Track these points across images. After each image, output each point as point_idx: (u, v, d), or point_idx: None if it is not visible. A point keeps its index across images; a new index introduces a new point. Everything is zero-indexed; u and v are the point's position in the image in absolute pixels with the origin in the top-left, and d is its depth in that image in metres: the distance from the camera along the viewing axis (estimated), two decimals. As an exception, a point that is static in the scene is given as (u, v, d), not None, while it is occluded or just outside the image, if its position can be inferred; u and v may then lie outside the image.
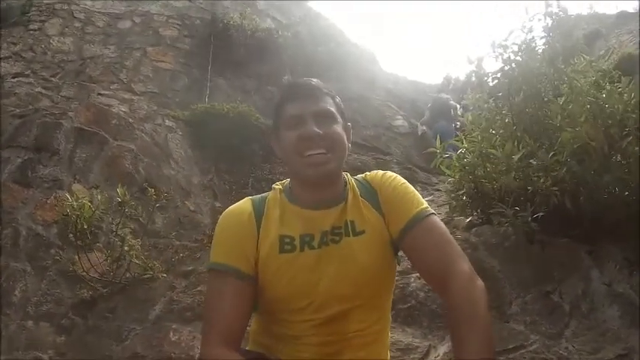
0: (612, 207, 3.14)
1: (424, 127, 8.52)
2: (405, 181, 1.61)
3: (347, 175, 1.62)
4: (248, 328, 1.52)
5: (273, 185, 1.64)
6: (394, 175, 1.63)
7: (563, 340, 2.83)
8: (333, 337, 1.45)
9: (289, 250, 1.47)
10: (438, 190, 6.38)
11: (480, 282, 1.39)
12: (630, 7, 15.26)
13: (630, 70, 4.48)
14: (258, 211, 1.54)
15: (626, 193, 3.14)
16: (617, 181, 3.12)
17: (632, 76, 3.41)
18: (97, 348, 3.21)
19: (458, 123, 7.56)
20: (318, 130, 1.45)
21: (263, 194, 1.63)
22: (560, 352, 2.74)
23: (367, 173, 1.66)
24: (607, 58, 4.12)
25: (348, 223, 1.51)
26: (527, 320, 2.95)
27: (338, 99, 1.59)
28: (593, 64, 3.84)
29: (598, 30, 10.30)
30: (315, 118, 1.47)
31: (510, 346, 2.82)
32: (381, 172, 1.65)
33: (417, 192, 1.57)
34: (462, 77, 10.05)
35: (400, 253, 1.59)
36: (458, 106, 8.38)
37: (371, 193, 1.58)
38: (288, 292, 1.45)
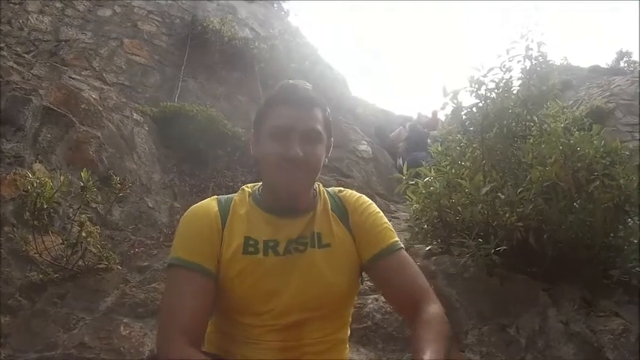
0: (574, 248, 3.24)
1: (400, 160, 8.68)
2: (379, 210, 1.62)
3: (319, 186, 1.61)
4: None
5: (243, 187, 1.62)
6: (369, 201, 1.64)
7: (518, 373, 2.90)
8: (291, 343, 1.44)
9: (253, 252, 1.45)
10: (396, 217, 6.45)
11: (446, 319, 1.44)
12: (603, 63, 16.10)
13: (598, 121, 4.68)
14: (224, 211, 1.52)
15: (588, 236, 3.25)
16: (581, 224, 3.22)
17: (603, 125, 3.58)
18: (43, 333, 3.06)
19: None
20: (299, 153, 1.42)
21: (229, 195, 1.60)
22: (515, 384, 2.80)
23: (340, 189, 1.66)
24: (576, 108, 4.29)
25: (315, 234, 1.51)
26: (483, 351, 2.99)
27: (328, 111, 1.57)
28: (565, 110, 3.99)
29: (569, 81, 10.72)
30: (301, 136, 1.45)
31: (465, 376, 2.88)
32: (355, 194, 1.65)
33: (389, 223, 1.59)
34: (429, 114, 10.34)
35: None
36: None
37: (342, 210, 1.58)
38: (250, 295, 1.43)
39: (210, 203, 1.54)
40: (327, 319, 1.49)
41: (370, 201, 1.63)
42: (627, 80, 11.75)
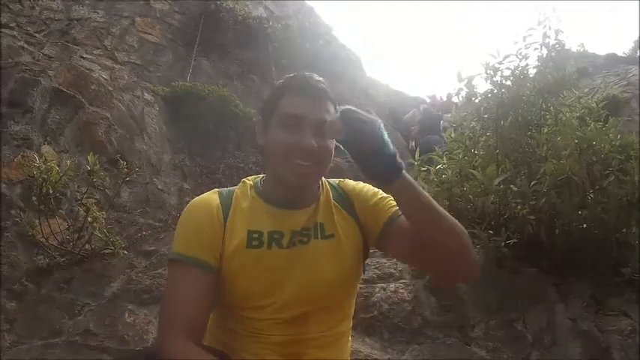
0: (585, 243, 3.18)
1: (413, 143, 8.60)
2: (377, 189, 1.59)
3: (321, 178, 1.59)
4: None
5: (243, 179, 1.61)
6: (366, 184, 1.62)
7: (524, 370, 2.87)
8: (293, 337, 1.43)
9: (256, 246, 1.43)
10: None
11: None
12: (620, 51, 15.84)
13: (613, 112, 4.58)
14: (226, 204, 1.50)
15: (601, 231, 3.19)
16: (594, 219, 3.17)
17: (619, 118, 3.49)
18: (49, 319, 3.07)
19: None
20: (314, 144, 1.40)
21: (230, 188, 1.59)
22: (521, 381, 2.77)
23: (340, 180, 1.65)
24: (592, 96, 4.18)
25: (318, 225, 1.50)
26: (489, 346, 2.96)
27: (337, 105, 1.52)
28: (582, 100, 3.90)
29: (585, 68, 10.57)
30: (313, 127, 1.41)
31: (471, 370, 2.86)
32: (352, 182, 1.64)
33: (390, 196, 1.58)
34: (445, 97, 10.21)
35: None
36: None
37: (345, 200, 1.58)
38: (253, 289, 1.42)
39: (212, 196, 1.53)
40: (329, 311, 1.48)
41: (368, 184, 1.61)
42: (645, 70, 11.53)
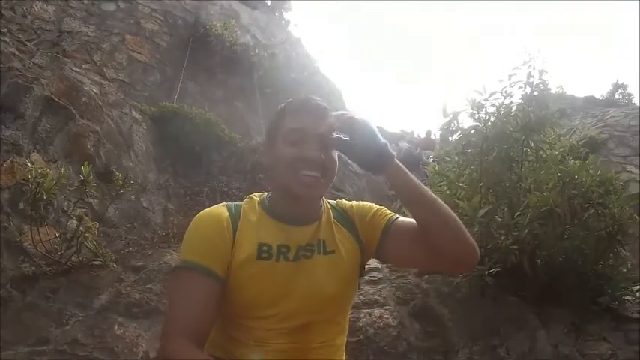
0: (565, 273, 3.31)
1: None
2: (371, 204, 1.68)
3: (323, 198, 1.64)
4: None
5: (250, 195, 1.65)
6: (361, 202, 1.70)
7: (507, 394, 2.94)
8: (297, 345, 1.46)
9: (266, 258, 1.47)
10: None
11: None
12: (598, 94, 16.44)
13: (590, 151, 4.77)
14: (234, 217, 1.54)
15: (580, 262, 3.32)
16: (574, 249, 3.30)
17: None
18: (35, 327, 3.03)
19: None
20: (322, 156, 1.45)
21: (237, 202, 1.62)
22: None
23: (338, 201, 1.71)
24: (569, 136, 4.35)
25: (321, 241, 1.54)
26: (473, 370, 3.03)
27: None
28: (562, 138, 4.06)
29: (564, 109, 10.91)
30: (318, 140, 1.47)
31: (455, 395, 2.91)
32: (347, 202, 1.71)
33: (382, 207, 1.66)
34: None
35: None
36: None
37: (345, 218, 1.63)
38: (259, 299, 1.45)
39: (221, 209, 1.56)
40: (329, 323, 1.52)
41: (362, 202, 1.70)
42: (621, 112, 12.04)
